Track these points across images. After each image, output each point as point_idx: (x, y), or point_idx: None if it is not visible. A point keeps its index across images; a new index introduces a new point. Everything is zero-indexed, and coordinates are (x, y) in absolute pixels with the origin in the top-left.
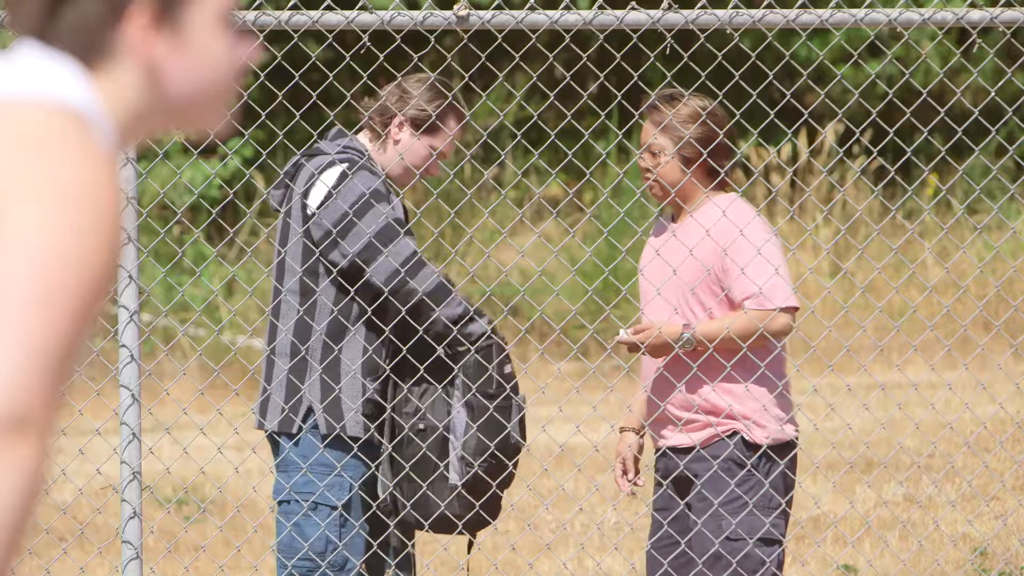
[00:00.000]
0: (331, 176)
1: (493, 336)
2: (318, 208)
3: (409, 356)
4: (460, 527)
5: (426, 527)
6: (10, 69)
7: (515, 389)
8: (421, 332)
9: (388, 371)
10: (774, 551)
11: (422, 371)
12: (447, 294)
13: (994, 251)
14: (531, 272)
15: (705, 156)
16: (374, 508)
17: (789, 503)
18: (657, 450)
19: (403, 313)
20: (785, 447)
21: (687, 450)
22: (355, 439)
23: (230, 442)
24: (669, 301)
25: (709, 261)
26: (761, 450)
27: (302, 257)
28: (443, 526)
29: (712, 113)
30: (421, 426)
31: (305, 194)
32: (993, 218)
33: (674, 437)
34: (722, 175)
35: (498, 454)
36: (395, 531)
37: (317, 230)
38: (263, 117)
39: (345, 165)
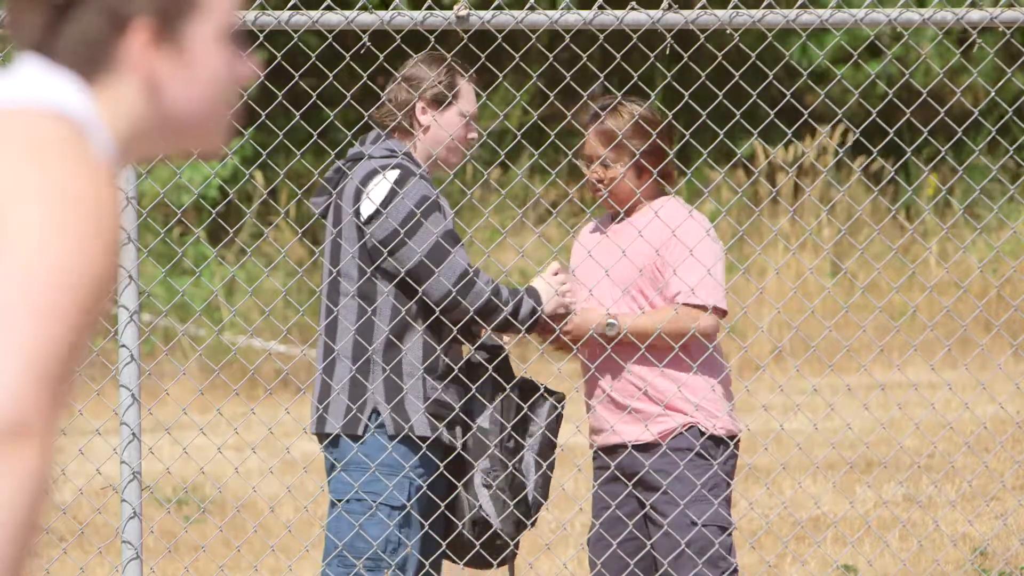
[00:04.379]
0: (383, 185)
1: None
2: (369, 218)
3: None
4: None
5: (461, 564)
6: (10, 81)
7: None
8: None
9: (456, 370)
10: (730, 538)
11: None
12: (496, 308)
13: (994, 251)
14: (531, 272)
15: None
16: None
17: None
18: (602, 447)
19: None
20: (732, 438)
21: (643, 446)
22: (423, 438)
23: (230, 442)
24: (603, 303)
25: (643, 262)
26: (721, 440)
27: (359, 261)
28: (482, 560)
29: (653, 120)
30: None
31: (357, 196)
32: (993, 218)
33: (628, 431)
34: (681, 174)
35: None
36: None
37: (372, 239)
38: (263, 117)
39: (398, 172)
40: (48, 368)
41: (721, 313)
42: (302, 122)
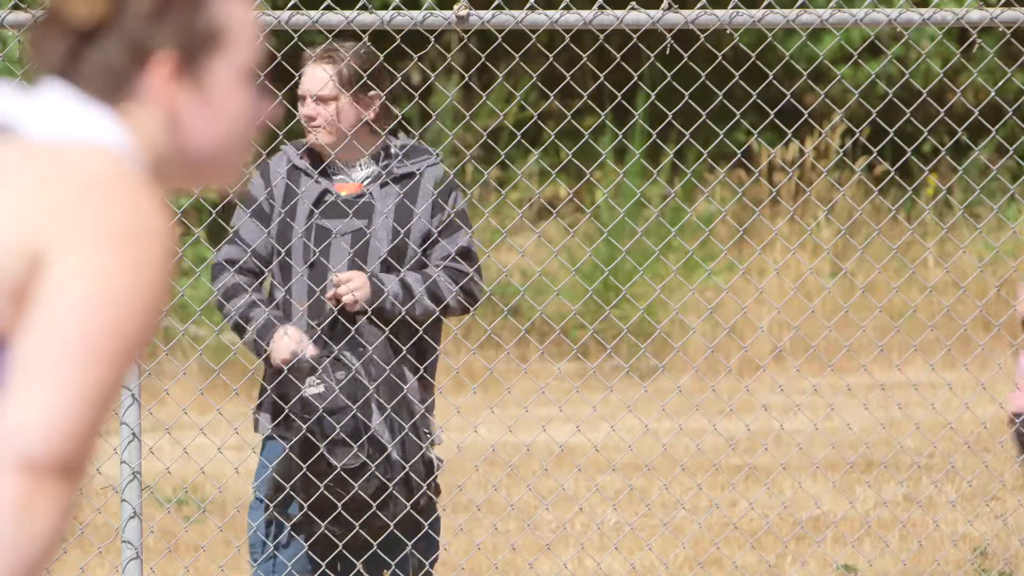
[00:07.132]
0: None
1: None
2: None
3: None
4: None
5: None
6: (43, 110)
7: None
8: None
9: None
10: None
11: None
12: (221, 305)
13: (994, 251)
14: (531, 272)
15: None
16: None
17: None
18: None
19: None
20: None
21: None
22: (267, 436)
23: (230, 442)
24: None
25: None
26: None
27: None
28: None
29: None
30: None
31: None
32: (993, 218)
33: None
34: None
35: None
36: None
37: None
38: (263, 117)
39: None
40: (95, 408)
41: None
42: (302, 122)
